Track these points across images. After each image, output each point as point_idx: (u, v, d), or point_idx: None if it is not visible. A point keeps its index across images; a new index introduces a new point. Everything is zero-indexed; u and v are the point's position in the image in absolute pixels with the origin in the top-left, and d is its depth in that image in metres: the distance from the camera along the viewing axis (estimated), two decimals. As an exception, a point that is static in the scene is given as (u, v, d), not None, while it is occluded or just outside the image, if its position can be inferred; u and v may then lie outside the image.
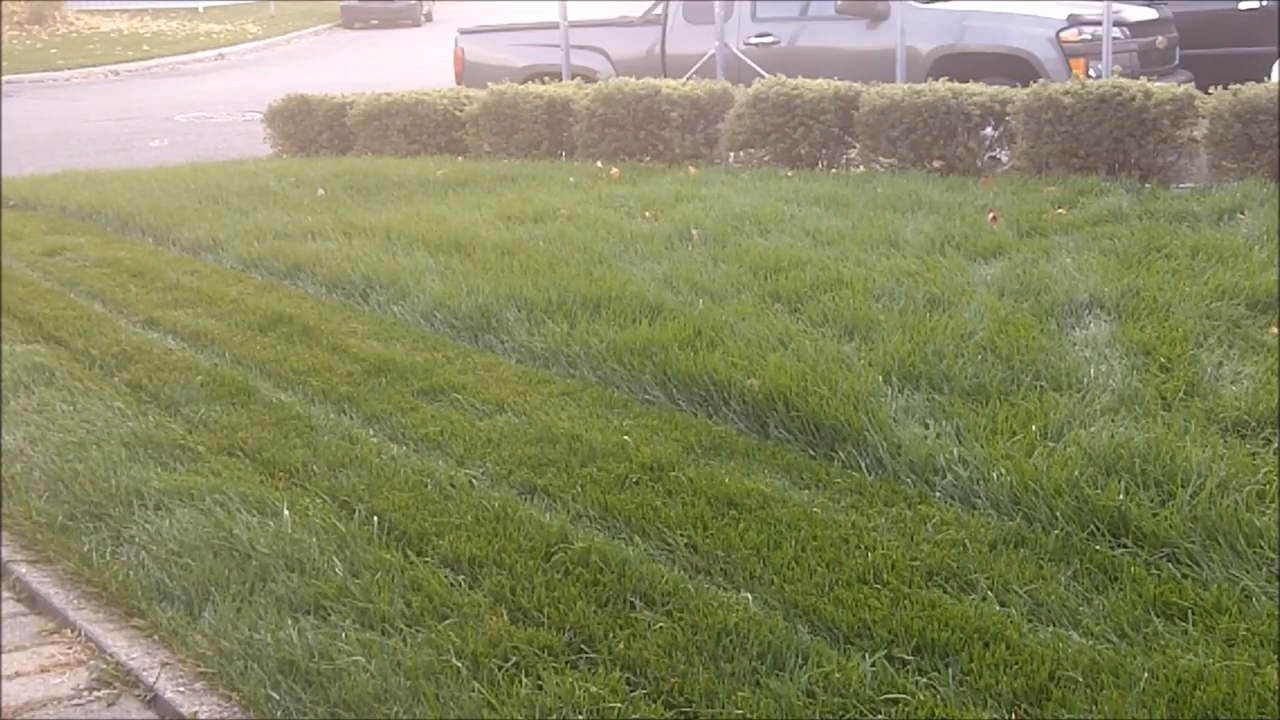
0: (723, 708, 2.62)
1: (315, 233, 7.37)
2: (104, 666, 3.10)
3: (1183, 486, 3.39)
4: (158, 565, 3.39)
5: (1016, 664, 2.69)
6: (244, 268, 6.90)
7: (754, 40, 11.60)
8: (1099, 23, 9.83)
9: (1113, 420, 3.89)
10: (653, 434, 4.10)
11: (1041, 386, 4.21)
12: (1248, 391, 4.07)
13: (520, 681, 2.74)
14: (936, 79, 9.13)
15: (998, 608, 2.93)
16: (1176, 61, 11.06)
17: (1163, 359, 4.42)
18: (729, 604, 2.99)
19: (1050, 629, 2.85)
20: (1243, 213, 6.57)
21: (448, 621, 2.98)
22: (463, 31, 13.42)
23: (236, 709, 2.84)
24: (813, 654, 2.77)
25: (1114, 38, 9.76)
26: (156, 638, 3.15)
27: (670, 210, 7.48)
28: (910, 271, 5.72)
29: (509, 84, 11.24)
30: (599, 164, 9.95)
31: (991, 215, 6.82)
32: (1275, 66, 10.38)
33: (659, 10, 12.38)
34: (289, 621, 3.03)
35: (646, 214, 7.39)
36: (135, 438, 4.26)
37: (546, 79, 11.81)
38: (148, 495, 3.79)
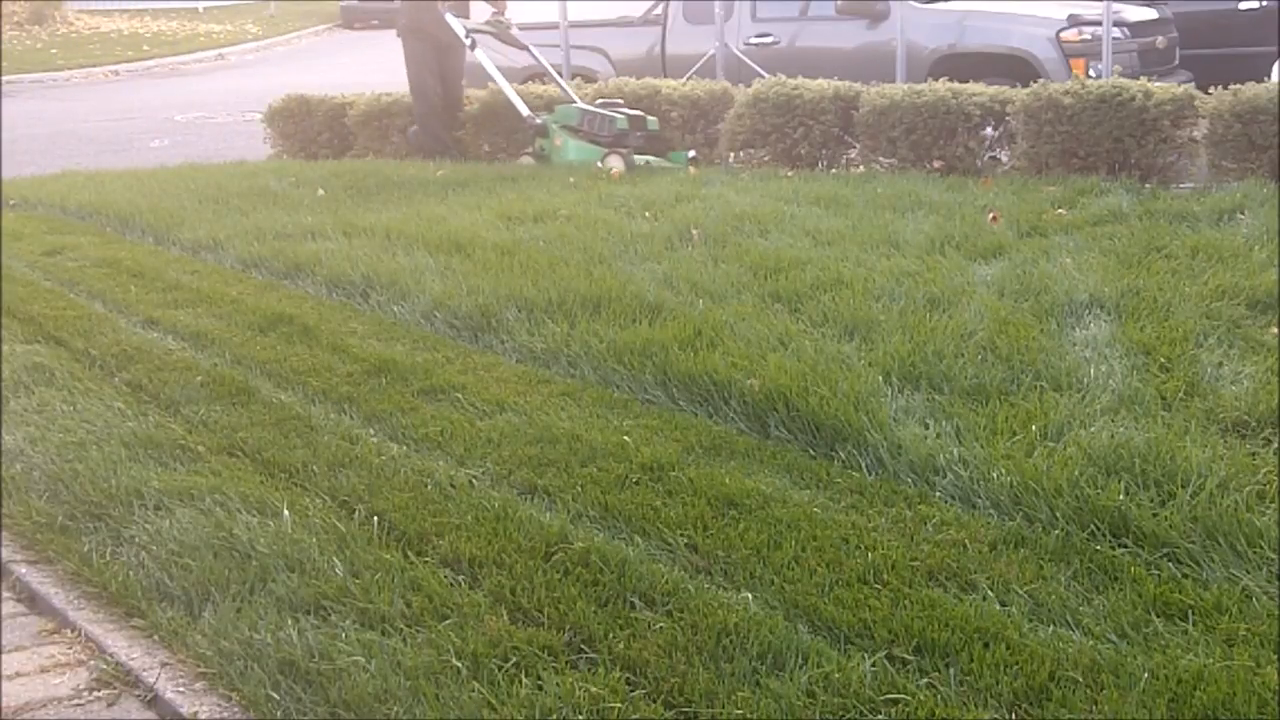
0: (723, 708, 2.62)
1: (315, 233, 7.37)
2: (104, 666, 3.10)
3: (1183, 486, 3.39)
4: (158, 565, 3.39)
5: (1017, 664, 2.69)
6: (244, 268, 6.89)
7: (754, 40, 11.60)
8: (1099, 23, 9.83)
9: (1113, 420, 3.89)
10: (653, 434, 4.10)
11: (1041, 386, 4.21)
12: (1248, 391, 4.07)
13: (520, 681, 2.74)
14: (936, 79, 9.13)
15: (998, 608, 2.93)
16: (1176, 61, 11.07)
17: (1163, 359, 4.41)
18: (729, 604, 2.99)
19: (1050, 629, 2.85)
20: (1243, 213, 6.57)
21: (448, 621, 2.98)
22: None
23: (236, 709, 2.84)
24: (813, 654, 2.76)
25: (1114, 38, 9.76)
26: (156, 638, 3.15)
27: (670, 210, 7.48)
28: (910, 271, 5.72)
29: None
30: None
31: (991, 215, 6.82)
32: (1275, 66, 10.38)
33: (659, 10, 12.37)
34: (289, 621, 3.03)
35: (646, 214, 7.39)
36: (135, 438, 4.25)
37: (546, 79, 11.80)
38: (148, 495, 3.79)
